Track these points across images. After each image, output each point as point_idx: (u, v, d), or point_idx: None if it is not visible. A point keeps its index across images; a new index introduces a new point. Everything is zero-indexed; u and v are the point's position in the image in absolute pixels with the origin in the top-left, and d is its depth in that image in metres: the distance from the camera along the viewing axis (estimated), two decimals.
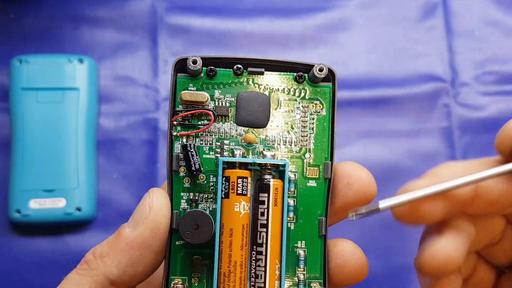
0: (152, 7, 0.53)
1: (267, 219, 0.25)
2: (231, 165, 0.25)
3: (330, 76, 0.27)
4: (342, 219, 0.28)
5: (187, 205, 0.26)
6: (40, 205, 0.46)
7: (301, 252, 0.26)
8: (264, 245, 0.25)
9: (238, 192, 0.25)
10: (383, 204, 0.23)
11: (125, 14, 0.52)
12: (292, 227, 0.26)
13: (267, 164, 0.25)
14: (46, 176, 0.47)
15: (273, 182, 0.25)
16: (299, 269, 0.26)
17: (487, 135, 0.52)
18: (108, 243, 0.25)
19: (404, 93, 0.52)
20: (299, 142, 0.27)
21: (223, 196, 0.25)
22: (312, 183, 0.26)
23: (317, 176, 0.26)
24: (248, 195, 0.25)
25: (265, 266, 0.25)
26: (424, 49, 0.54)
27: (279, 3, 0.54)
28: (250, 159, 0.26)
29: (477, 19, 0.55)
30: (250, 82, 0.27)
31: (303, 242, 0.26)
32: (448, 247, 0.23)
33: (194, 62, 0.26)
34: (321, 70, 0.26)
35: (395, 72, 0.53)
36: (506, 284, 0.27)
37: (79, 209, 0.47)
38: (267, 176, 0.25)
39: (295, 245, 0.26)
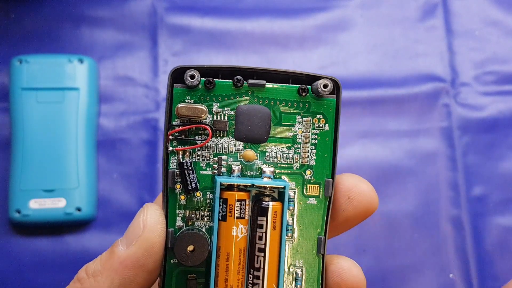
0: (152, 7, 0.53)
1: (265, 244, 0.24)
2: (229, 186, 0.24)
3: (335, 87, 0.25)
4: (342, 232, 0.27)
5: (182, 222, 0.25)
6: (40, 205, 0.46)
7: (299, 271, 0.25)
8: (261, 270, 0.24)
9: (236, 215, 0.24)
10: None
11: (125, 14, 0.52)
12: (290, 246, 0.25)
13: (267, 186, 0.24)
14: (46, 176, 0.47)
15: (272, 206, 0.24)
16: None
17: (487, 135, 0.52)
18: (102, 261, 0.24)
19: (404, 93, 0.52)
20: (300, 158, 0.25)
21: (220, 218, 0.24)
22: (312, 201, 0.25)
23: (317, 194, 0.25)
24: (246, 218, 0.24)
25: None
26: (424, 49, 0.54)
27: (279, 3, 0.54)
28: (248, 180, 0.24)
29: (477, 19, 0.55)
30: (250, 94, 0.25)
31: (301, 261, 0.25)
32: None
33: (192, 77, 0.24)
34: (325, 86, 0.24)
35: (395, 72, 0.53)
36: None
37: (79, 209, 0.47)
38: (266, 199, 0.24)
39: (293, 263, 0.25)
